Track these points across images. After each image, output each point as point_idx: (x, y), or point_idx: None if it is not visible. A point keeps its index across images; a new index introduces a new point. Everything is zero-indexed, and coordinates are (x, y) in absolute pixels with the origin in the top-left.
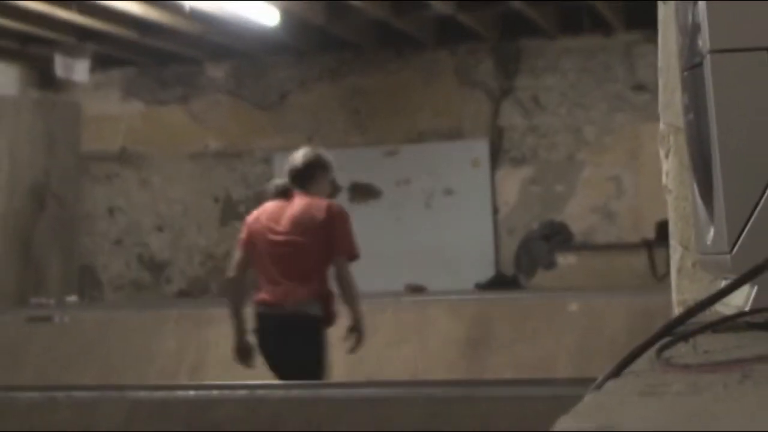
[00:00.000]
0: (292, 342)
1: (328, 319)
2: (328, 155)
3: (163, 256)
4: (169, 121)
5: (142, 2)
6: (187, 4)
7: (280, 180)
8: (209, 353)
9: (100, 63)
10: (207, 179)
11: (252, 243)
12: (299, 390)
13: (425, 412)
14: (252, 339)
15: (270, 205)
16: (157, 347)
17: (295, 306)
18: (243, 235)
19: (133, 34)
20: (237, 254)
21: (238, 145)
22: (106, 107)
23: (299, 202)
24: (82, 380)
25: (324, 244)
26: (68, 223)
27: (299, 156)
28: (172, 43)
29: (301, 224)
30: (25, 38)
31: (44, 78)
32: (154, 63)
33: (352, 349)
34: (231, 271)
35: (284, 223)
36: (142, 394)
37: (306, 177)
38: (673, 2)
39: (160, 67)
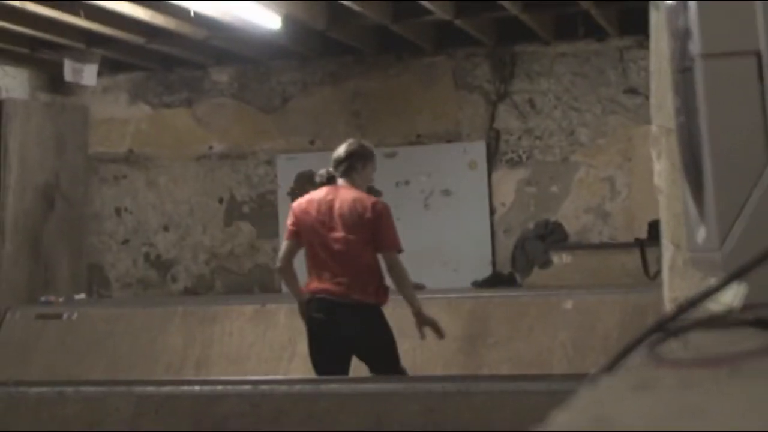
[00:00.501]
0: (366, 330)
1: (382, 303)
2: (371, 146)
3: (169, 255)
4: (175, 124)
5: (149, 8)
6: (192, 6)
7: (323, 170)
8: (214, 349)
9: (108, 67)
10: (211, 180)
11: (299, 233)
12: (301, 385)
13: (424, 407)
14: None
15: (316, 195)
16: (163, 343)
17: (359, 297)
18: (290, 224)
19: (139, 39)
20: (284, 244)
21: (241, 147)
22: (114, 110)
23: (345, 196)
24: (90, 375)
25: (372, 240)
26: (77, 223)
27: (343, 147)
28: (177, 48)
29: (350, 222)
30: (35, 43)
31: (54, 82)
32: (160, 67)
33: (439, 336)
34: (279, 261)
35: (335, 219)
36: (149, 388)
37: (349, 167)
38: (664, 9)
39: (166, 71)
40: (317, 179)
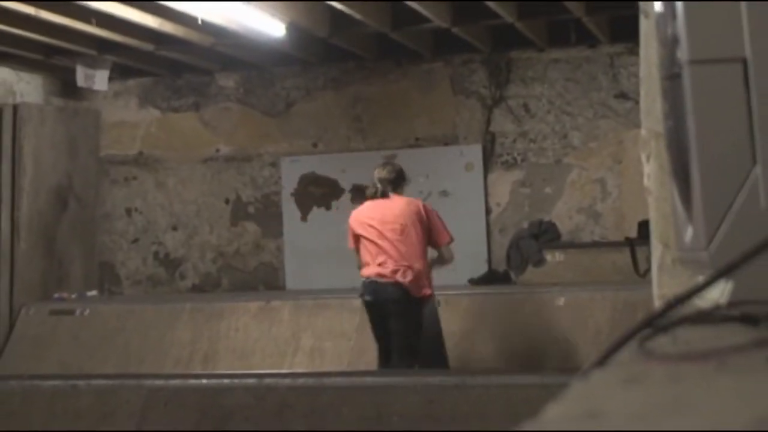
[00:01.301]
0: (401, 312)
1: (425, 298)
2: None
3: (178, 253)
4: (183, 128)
5: (158, 16)
6: (200, 14)
7: (373, 187)
8: (220, 344)
9: (119, 73)
10: (218, 182)
11: (357, 238)
12: (304, 379)
13: (423, 399)
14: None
15: (370, 204)
16: (171, 338)
17: (402, 280)
18: (350, 236)
19: (149, 46)
20: (357, 256)
21: (247, 150)
22: (125, 114)
23: (399, 201)
24: (102, 369)
25: (426, 236)
26: (89, 223)
27: (385, 170)
28: (185, 55)
29: (407, 218)
30: (49, 50)
31: (67, 87)
32: (168, 73)
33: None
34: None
35: (393, 216)
36: (158, 382)
37: (398, 184)
38: (654, 17)
39: (174, 76)
40: (369, 193)
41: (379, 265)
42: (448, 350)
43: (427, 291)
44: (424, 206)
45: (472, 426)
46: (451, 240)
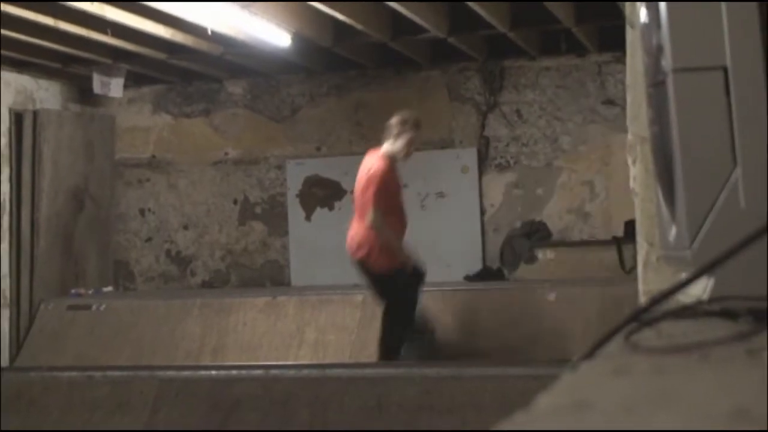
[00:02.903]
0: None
1: (380, 269)
2: (412, 119)
3: (189, 251)
4: (194, 132)
5: (170, 26)
6: (209, 23)
7: None
8: (229, 337)
9: (133, 80)
10: (227, 183)
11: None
12: (308, 370)
13: (420, 389)
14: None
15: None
16: (182, 332)
17: (360, 255)
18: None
19: (161, 54)
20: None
21: (254, 153)
22: (138, 120)
23: (369, 159)
24: (116, 361)
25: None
26: (104, 223)
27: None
28: (196, 63)
29: (361, 183)
30: (67, 59)
31: (83, 94)
32: (180, 80)
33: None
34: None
35: (359, 178)
36: (170, 373)
37: (388, 134)
38: (639, 28)
39: (185, 84)
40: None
41: (348, 236)
42: (444, 342)
43: (385, 263)
44: (371, 168)
45: (468, 415)
46: (376, 208)
